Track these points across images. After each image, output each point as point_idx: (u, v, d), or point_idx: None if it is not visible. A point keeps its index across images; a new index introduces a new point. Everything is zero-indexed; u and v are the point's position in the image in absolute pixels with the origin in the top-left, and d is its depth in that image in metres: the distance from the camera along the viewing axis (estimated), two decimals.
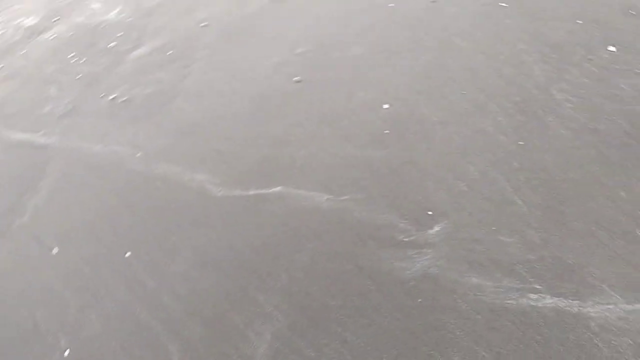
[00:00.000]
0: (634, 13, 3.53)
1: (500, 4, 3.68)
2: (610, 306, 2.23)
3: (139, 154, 2.89)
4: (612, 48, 3.31)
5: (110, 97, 3.22)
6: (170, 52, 3.48)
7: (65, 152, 2.93)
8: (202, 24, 3.67)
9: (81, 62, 3.46)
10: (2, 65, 3.48)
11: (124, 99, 3.22)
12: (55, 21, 3.80)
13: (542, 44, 3.38)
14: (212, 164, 2.84)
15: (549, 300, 2.26)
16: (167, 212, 2.69)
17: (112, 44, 3.52)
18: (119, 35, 3.66)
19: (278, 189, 2.71)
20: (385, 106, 3.10)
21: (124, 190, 2.81)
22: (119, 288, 2.53)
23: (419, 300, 2.27)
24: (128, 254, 2.61)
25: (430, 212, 2.60)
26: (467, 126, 2.98)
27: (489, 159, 2.80)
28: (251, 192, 2.69)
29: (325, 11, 3.73)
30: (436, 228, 2.54)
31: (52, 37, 3.66)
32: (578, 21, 3.51)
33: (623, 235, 2.44)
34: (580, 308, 2.22)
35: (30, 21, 3.76)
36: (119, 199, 2.78)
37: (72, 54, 3.54)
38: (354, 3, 3.78)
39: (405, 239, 2.51)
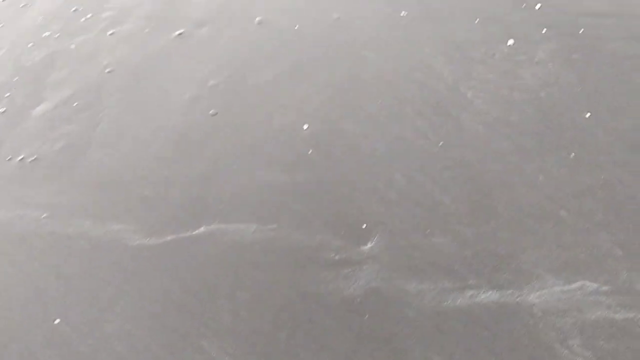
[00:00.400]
0: (525, 6, 3.72)
1: (401, 13, 3.79)
2: (548, 289, 2.30)
3: (45, 215, 2.75)
4: (510, 41, 3.47)
5: (18, 159, 3.04)
6: (77, 103, 3.34)
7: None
8: (107, 70, 3.56)
9: None
10: None
11: (32, 158, 3.05)
12: None
13: (445, 45, 3.49)
14: (136, 212, 2.74)
15: (490, 294, 2.30)
16: (94, 270, 2.56)
17: (8, 102, 3.34)
18: (16, 91, 3.48)
19: (209, 227, 2.63)
20: (305, 126, 3.10)
21: (44, 254, 2.65)
22: (52, 359, 2.37)
23: (366, 316, 2.26)
24: (57, 320, 2.45)
25: (364, 225, 2.61)
26: (388, 135, 3.02)
27: (414, 164, 2.85)
28: (181, 235, 2.60)
29: (231, 42, 3.71)
30: (372, 240, 2.54)
31: None
32: (475, 20, 3.66)
33: (548, 219, 2.54)
34: (521, 297, 2.28)
35: None
36: (39, 264, 2.61)
37: None
38: (259, 30, 3.78)
39: (343, 257, 2.50)
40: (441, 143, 2.93)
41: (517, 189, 2.67)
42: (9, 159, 3.05)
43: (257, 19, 3.88)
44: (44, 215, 2.78)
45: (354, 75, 3.40)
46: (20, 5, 4.29)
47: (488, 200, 2.65)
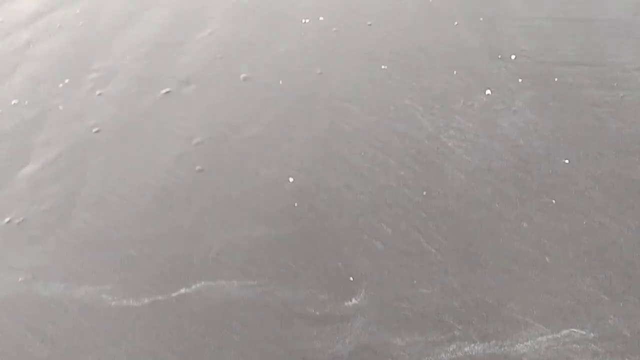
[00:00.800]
0: (501, 57, 3.85)
1: (381, 66, 3.90)
2: (537, 338, 2.29)
3: (31, 278, 2.72)
4: (488, 91, 3.57)
5: (5, 221, 3.04)
6: (64, 163, 3.36)
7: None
8: (94, 130, 3.60)
9: None
10: None
11: (19, 220, 3.05)
12: None
13: (425, 97, 3.59)
14: (122, 272, 2.72)
15: (479, 345, 2.29)
16: (80, 333, 2.51)
17: None
18: (2, 152, 3.50)
19: (195, 285, 2.62)
20: (291, 179, 3.14)
21: (29, 317, 2.60)
22: None
23: None
24: None
25: (351, 278, 2.61)
26: (372, 185, 3.06)
27: (399, 214, 2.88)
28: (167, 295, 2.58)
29: (217, 99, 3.79)
30: (360, 293, 2.54)
31: None
32: (453, 72, 3.77)
33: (533, 265, 2.56)
34: (510, 347, 2.27)
35: None
36: (25, 327, 2.56)
37: None
38: (244, 87, 3.87)
39: (331, 312, 2.49)
40: (425, 192, 2.97)
41: (502, 236, 2.70)
42: None
43: (242, 75, 3.98)
44: (30, 278, 2.75)
45: (337, 128, 3.46)
46: (9, 65, 4.36)
47: (473, 248, 2.67)
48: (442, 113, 3.46)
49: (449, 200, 2.92)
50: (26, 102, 3.92)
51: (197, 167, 3.27)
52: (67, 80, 4.09)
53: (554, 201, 2.83)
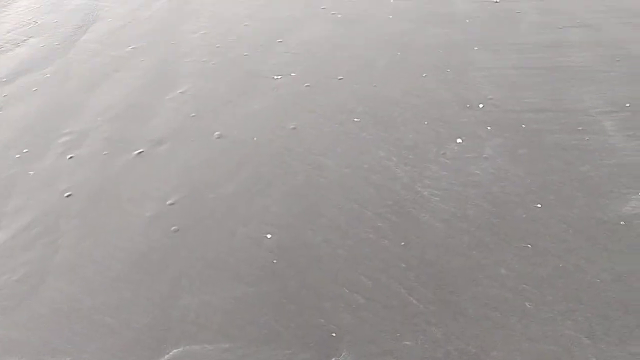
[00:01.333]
0: (469, 106, 3.97)
1: (354, 119, 3.98)
2: None
3: (3, 354, 2.61)
4: (459, 140, 3.66)
5: None
6: (36, 229, 3.29)
7: None
8: (66, 194, 3.55)
9: None
10: None
11: None
12: None
13: (398, 148, 3.66)
14: (98, 341, 2.62)
15: None
16: None
17: None
18: None
19: (175, 350, 2.54)
20: (269, 236, 3.12)
21: None
22: None
23: None
24: None
25: (334, 334, 2.57)
26: (350, 238, 3.06)
27: (378, 266, 2.87)
28: None
29: (191, 157, 3.80)
30: (343, 350, 2.49)
31: None
32: (424, 122, 3.87)
33: (514, 311, 2.56)
34: None
35: None
36: None
37: None
38: (218, 145, 3.89)
39: None
40: (403, 242, 2.98)
41: (481, 283, 2.71)
42: None
43: (216, 133, 4.01)
44: (2, 354, 2.63)
45: (313, 182, 3.48)
46: None
47: (454, 297, 2.66)
48: (415, 163, 3.52)
49: (427, 250, 2.93)
50: None
51: (173, 228, 3.23)
52: (36, 145, 4.06)
53: (529, 246, 2.86)
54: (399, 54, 4.82)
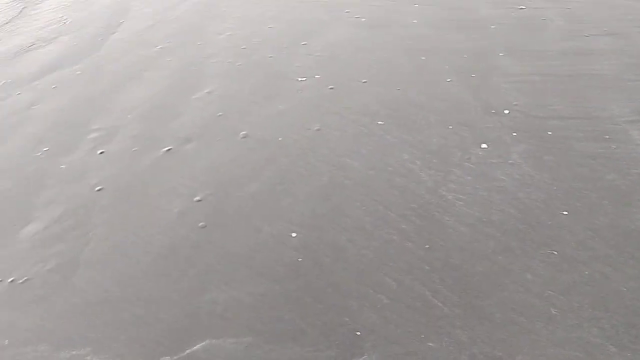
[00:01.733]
0: (494, 112, 3.98)
1: (378, 122, 4.01)
2: None
3: (36, 341, 2.67)
4: (484, 145, 3.67)
5: (9, 280, 3.00)
6: (67, 221, 3.37)
7: None
8: (97, 188, 3.62)
9: None
10: None
11: (23, 279, 3.02)
12: None
13: (422, 151, 3.67)
14: (129, 333, 2.68)
15: None
16: None
17: None
18: (6, 211, 3.50)
19: (202, 343, 2.58)
20: (293, 235, 3.16)
21: None
22: None
23: None
24: None
25: (358, 333, 2.59)
26: (374, 240, 3.08)
27: (402, 267, 2.89)
28: (175, 356, 2.54)
29: (216, 157, 3.85)
30: (367, 349, 2.52)
31: None
32: (449, 126, 3.88)
33: (540, 317, 2.56)
34: None
35: None
36: None
37: None
38: (244, 144, 3.94)
39: None
40: (427, 245, 3.00)
41: (507, 288, 2.72)
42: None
43: (242, 133, 4.05)
44: (35, 339, 2.69)
45: (337, 183, 3.51)
46: (10, 125, 4.41)
47: (479, 301, 2.67)
48: (440, 167, 3.54)
49: (452, 253, 2.95)
50: (28, 162, 3.95)
51: (200, 224, 3.28)
52: (67, 140, 4.14)
53: (555, 252, 2.87)
54: (423, 58, 4.84)
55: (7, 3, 6.85)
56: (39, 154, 4.03)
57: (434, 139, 3.80)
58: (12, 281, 3.02)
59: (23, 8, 6.75)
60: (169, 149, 3.94)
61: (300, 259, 3.00)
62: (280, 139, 3.96)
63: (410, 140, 3.81)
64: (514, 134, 3.74)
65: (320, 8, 6.05)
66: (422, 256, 2.94)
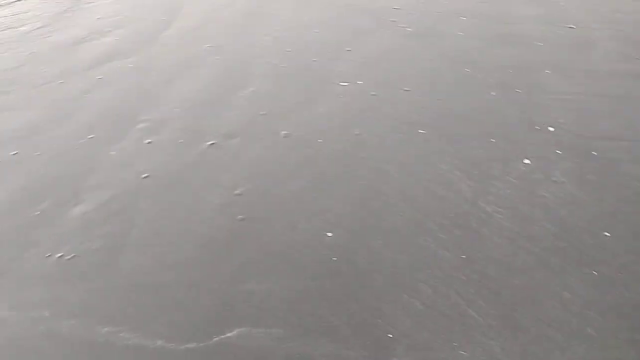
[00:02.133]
0: (539, 128, 3.96)
1: (419, 131, 4.02)
2: None
3: (80, 316, 2.77)
4: (526, 161, 3.65)
5: (57, 256, 3.11)
6: (114, 205, 3.47)
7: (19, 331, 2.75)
8: (143, 176, 3.73)
9: (21, 223, 3.40)
10: None
11: (70, 256, 3.12)
12: None
13: (463, 162, 3.68)
14: (170, 316, 2.75)
15: None
16: None
17: (48, 202, 3.50)
18: (56, 191, 3.63)
19: (237, 330, 2.64)
20: (329, 234, 3.19)
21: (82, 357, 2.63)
22: None
23: None
24: None
25: (390, 335, 2.61)
26: (410, 246, 3.10)
27: (437, 275, 2.90)
28: (213, 340, 2.60)
29: (258, 153, 3.93)
30: (400, 352, 2.53)
31: None
32: (492, 140, 3.87)
33: (576, 335, 2.54)
34: None
35: None
36: None
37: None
38: (285, 143, 4.00)
39: None
40: (464, 256, 3.00)
41: (543, 304, 2.70)
42: (48, 256, 3.13)
43: (283, 132, 4.12)
44: (76, 316, 2.78)
45: (376, 188, 3.54)
46: (65, 111, 4.57)
47: (514, 314, 2.66)
48: (480, 179, 3.53)
49: (488, 265, 2.94)
50: (79, 147, 4.09)
51: (239, 217, 3.35)
52: (118, 128, 4.27)
53: (595, 273, 2.83)
54: (467, 70, 4.85)
55: None
56: (91, 139, 4.17)
57: (475, 151, 3.80)
58: (60, 257, 3.13)
59: (77, 1, 6.98)
60: (213, 143, 4.03)
61: (335, 259, 3.04)
62: (320, 140, 4.01)
63: (450, 150, 3.82)
64: (558, 151, 3.71)
65: (367, 16, 6.11)
66: (458, 266, 2.95)
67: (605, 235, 3.04)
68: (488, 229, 3.16)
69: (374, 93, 4.59)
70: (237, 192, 3.55)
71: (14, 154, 4.04)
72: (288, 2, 6.55)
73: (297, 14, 6.27)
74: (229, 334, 2.62)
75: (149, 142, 4.09)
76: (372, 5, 6.36)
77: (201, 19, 6.25)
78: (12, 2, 7.07)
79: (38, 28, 6.26)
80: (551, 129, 3.94)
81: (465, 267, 2.94)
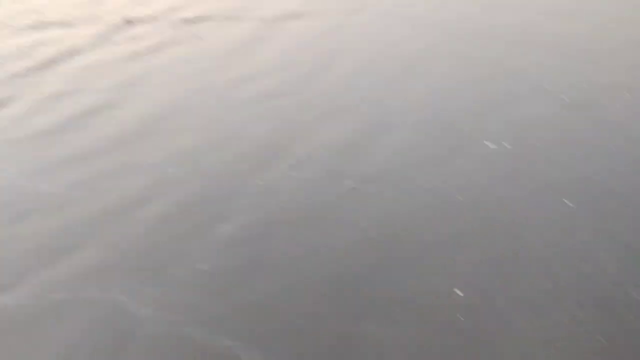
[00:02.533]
0: None
1: (566, 202, 3.84)
2: None
3: (209, 320, 2.98)
4: None
5: (195, 266, 3.40)
6: (254, 230, 3.74)
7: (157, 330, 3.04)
8: (281, 207, 3.98)
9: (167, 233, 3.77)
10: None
11: (209, 269, 3.40)
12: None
13: (614, 242, 3.44)
14: (285, 341, 2.87)
15: None
16: None
17: (198, 218, 3.85)
18: (206, 209, 3.97)
19: None
20: (458, 292, 3.13)
21: None
22: None
23: None
24: None
25: None
26: (544, 318, 2.94)
27: (573, 355, 2.71)
28: None
29: (394, 203, 4.00)
30: None
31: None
32: None
33: None
34: None
35: None
36: None
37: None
38: (420, 196, 4.03)
39: None
40: (604, 340, 2.78)
41: None
42: (196, 267, 3.41)
43: (421, 186, 4.15)
44: (210, 326, 2.98)
45: (512, 253, 3.43)
46: (213, 143, 4.97)
47: None
48: (630, 262, 3.28)
49: (630, 355, 2.68)
50: (231, 174, 4.45)
51: (369, 261, 3.42)
52: (268, 160, 4.58)
53: None
54: (629, 145, 4.54)
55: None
56: (240, 169, 4.50)
57: (628, 231, 3.53)
58: (205, 269, 3.40)
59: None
60: (353, 188, 4.17)
61: (461, 318, 2.96)
62: (460, 198, 3.98)
63: (600, 227, 3.59)
64: None
65: (519, 81, 5.98)
66: (599, 350, 2.73)
67: None
68: (633, 317, 2.91)
69: (521, 158, 4.48)
70: (370, 236, 3.63)
71: (174, 172, 4.50)
72: (444, 60, 6.56)
73: (447, 77, 6.28)
74: None
75: (292, 176, 4.34)
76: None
77: (357, 68, 6.48)
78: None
79: (213, 65, 6.88)
80: None
81: (606, 352, 2.73)
